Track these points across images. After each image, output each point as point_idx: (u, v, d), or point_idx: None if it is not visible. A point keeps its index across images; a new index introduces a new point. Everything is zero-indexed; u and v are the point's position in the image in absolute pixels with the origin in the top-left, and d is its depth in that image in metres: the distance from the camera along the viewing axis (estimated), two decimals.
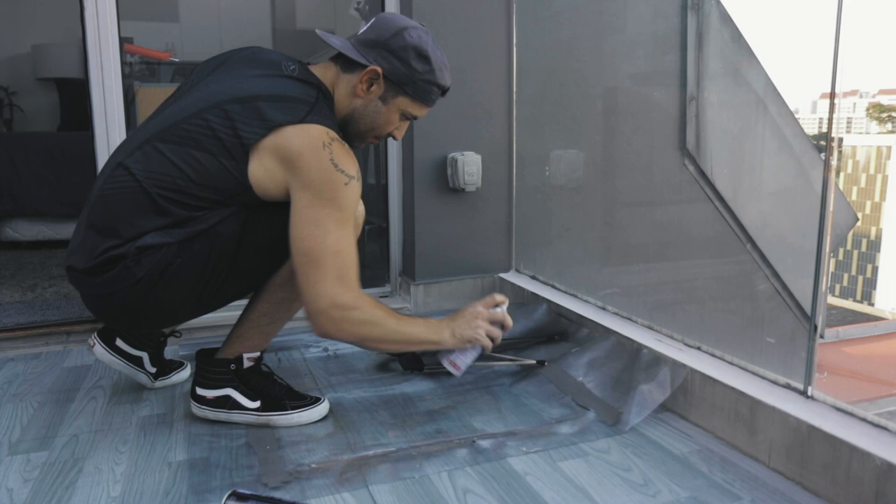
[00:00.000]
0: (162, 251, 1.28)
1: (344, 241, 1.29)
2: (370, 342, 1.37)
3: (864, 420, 1.17)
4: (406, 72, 1.37)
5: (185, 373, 1.72)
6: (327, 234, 1.27)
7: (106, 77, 1.98)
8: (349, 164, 1.29)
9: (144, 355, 1.61)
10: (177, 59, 2.60)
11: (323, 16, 3.00)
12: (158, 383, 1.66)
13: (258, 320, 1.45)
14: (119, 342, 1.57)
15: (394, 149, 2.33)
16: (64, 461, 1.30)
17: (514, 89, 2.31)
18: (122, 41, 2.02)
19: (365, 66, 1.37)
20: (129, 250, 1.27)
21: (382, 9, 2.28)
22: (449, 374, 1.57)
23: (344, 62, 1.41)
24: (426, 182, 2.26)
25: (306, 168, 1.26)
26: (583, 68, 2.64)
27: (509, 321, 1.49)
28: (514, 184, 2.36)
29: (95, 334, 1.56)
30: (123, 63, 2.02)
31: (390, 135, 1.48)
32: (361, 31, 1.42)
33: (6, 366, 1.83)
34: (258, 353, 1.47)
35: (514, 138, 2.33)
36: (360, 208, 1.48)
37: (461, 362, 1.46)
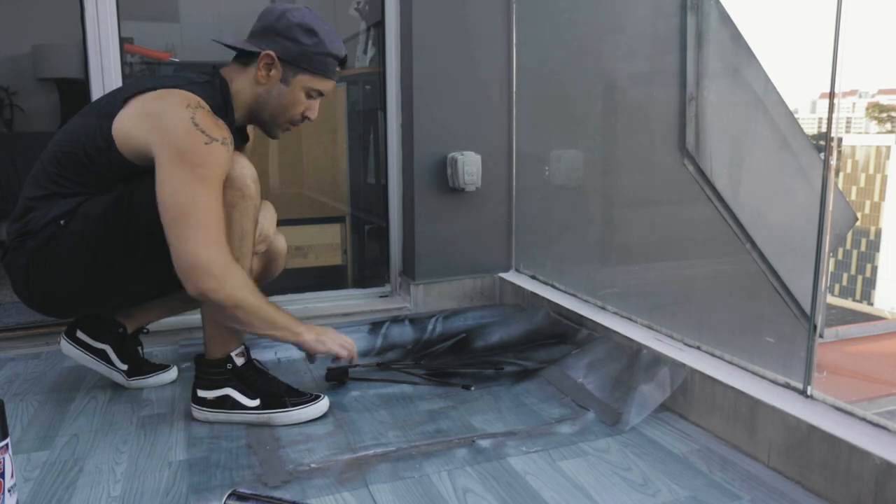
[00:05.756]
0: (38, 236, 1.34)
1: (213, 201, 1.29)
2: (240, 311, 1.33)
3: (863, 419, 1.17)
4: (297, 49, 1.42)
5: (168, 376, 1.68)
6: (195, 191, 1.26)
7: (106, 77, 1.98)
8: (213, 127, 1.30)
9: (108, 348, 1.59)
10: (177, 60, 2.60)
11: (323, 16, 2.99)
12: (134, 383, 1.64)
13: (209, 313, 1.43)
14: (79, 333, 1.57)
15: (394, 149, 2.33)
16: (64, 461, 1.30)
17: (514, 89, 2.31)
18: (123, 41, 2.03)
19: (259, 54, 1.42)
20: (13, 235, 1.37)
21: (382, 9, 2.29)
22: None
23: (242, 58, 1.46)
24: (426, 182, 2.26)
25: (166, 125, 1.28)
26: (583, 68, 2.64)
27: (350, 353, 1.53)
28: (514, 184, 2.36)
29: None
30: (124, 63, 2.02)
31: (305, 117, 1.50)
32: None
33: (7, 365, 1.83)
34: (242, 347, 1.47)
35: (514, 138, 2.34)
36: (244, 171, 1.37)
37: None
